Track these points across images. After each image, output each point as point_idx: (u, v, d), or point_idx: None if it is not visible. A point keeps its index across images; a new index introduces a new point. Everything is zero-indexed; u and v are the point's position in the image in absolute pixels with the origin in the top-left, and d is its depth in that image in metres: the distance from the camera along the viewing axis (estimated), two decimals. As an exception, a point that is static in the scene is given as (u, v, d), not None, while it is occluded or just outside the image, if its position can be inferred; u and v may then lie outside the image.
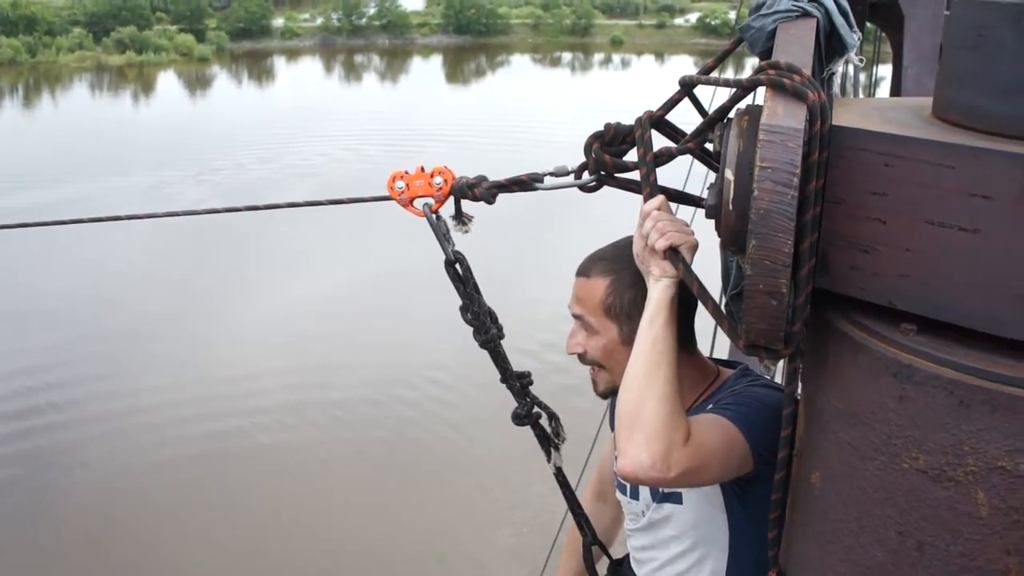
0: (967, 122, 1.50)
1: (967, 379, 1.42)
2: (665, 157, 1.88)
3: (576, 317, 2.44)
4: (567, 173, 2.05)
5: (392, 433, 10.80)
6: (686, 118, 1.95)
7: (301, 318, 14.00)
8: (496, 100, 39.64)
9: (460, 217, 2.23)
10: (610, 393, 2.44)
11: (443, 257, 2.26)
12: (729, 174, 1.58)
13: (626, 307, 2.31)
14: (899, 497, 1.53)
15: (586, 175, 2.03)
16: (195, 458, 10.21)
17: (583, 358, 2.45)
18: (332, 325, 13.64)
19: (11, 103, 43.07)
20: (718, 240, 1.73)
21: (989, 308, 1.41)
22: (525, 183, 2.09)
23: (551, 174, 2.07)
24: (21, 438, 10.70)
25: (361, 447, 10.42)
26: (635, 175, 1.94)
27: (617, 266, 2.32)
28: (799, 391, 1.84)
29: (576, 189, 2.08)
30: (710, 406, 2.32)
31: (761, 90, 1.57)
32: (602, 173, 2.00)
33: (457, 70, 53.53)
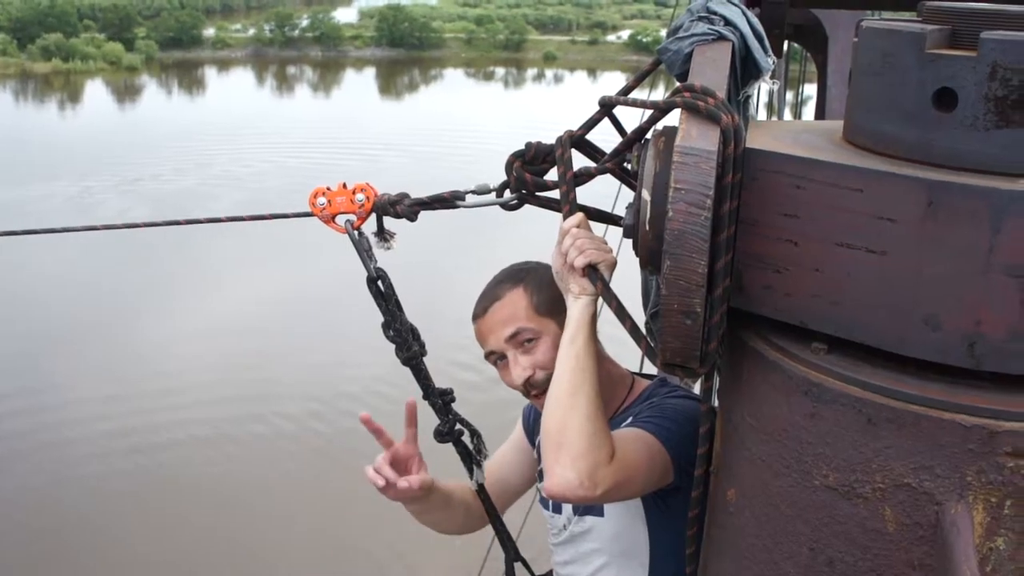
0: (874, 146, 1.53)
1: (874, 398, 1.45)
2: (584, 176, 1.90)
3: (510, 340, 2.41)
4: (489, 191, 2.07)
5: (327, 443, 10.71)
6: (608, 138, 1.97)
7: (228, 330, 13.88)
8: (429, 114, 39.61)
9: (382, 234, 2.23)
10: None
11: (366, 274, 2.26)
12: (646, 194, 1.60)
13: (552, 300, 2.30)
14: (810, 514, 1.55)
15: (507, 193, 2.04)
16: (124, 471, 10.07)
17: (532, 382, 2.42)
18: (259, 337, 13.55)
19: (-68, 109, 42.16)
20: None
21: (895, 328, 1.45)
22: (447, 201, 2.09)
23: (473, 192, 2.08)
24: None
25: (294, 458, 10.34)
26: (555, 194, 1.95)
27: (519, 277, 2.38)
28: (716, 408, 1.86)
29: (498, 208, 2.10)
30: (629, 419, 2.35)
31: (678, 111, 1.59)
32: (523, 191, 2.01)
33: (390, 83, 53.44)
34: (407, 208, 2.12)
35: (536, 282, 2.37)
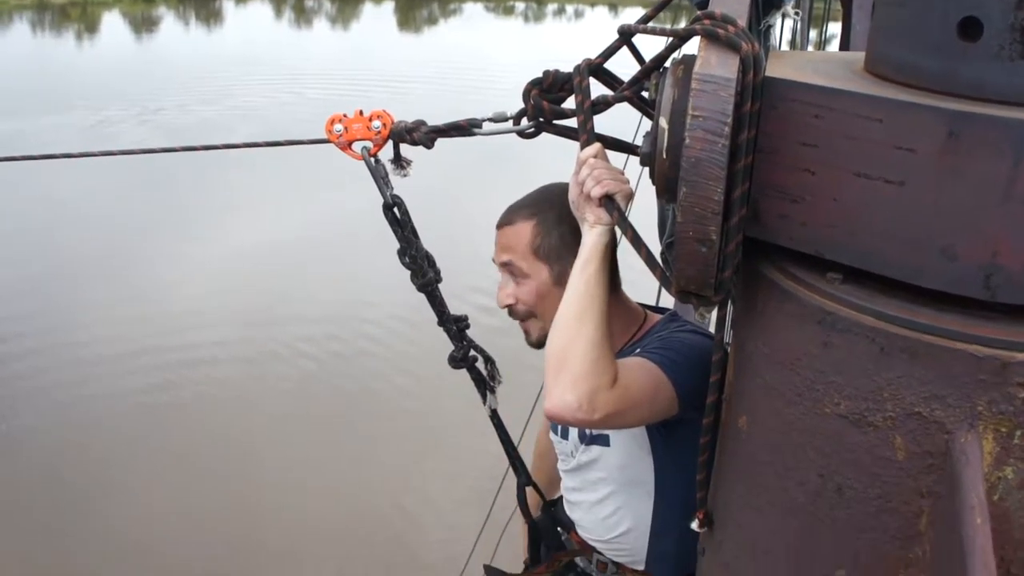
0: (896, 76, 1.53)
1: (888, 327, 1.46)
2: (602, 105, 1.89)
3: (504, 266, 2.47)
4: (506, 119, 2.07)
5: (347, 381, 10.73)
6: (627, 69, 1.96)
7: (244, 262, 13.86)
8: (448, 48, 39.25)
9: (399, 161, 2.24)
10: (543, 342, 2.38)
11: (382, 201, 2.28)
12: (663, 122, 1.60)
13: (554, 246, 2.35)
14: (821, 441, 1.57)
15: (524, 122, 2.04)
16: (142, 400, 10.08)
17: (514, 310, 2.48)
18: (275, 271, 13.53)
19: (-52, 38, 42.04)
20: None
21: (911, 259, 1.45)
22: (463, 128, 2.10)
23: (490, 120, 2.08)
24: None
25: (311, 394, 10.36)
26: (573, 122, 1.95)
27: (539, 208, 2.36)
28: (729, 337, 1.87)
29: (517, 138, 2.10)
30: (637, 350, 2.36)
31: (697, 40, 1.58)
32: (540, 120, 2.01)
33: (409, 17, 52.91)
34: (424, 135, 2.12)
35: (551, 220, 2.36)
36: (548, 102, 1.97)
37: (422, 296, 2.46)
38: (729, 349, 1.87)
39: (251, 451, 9.11)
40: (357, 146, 2.22)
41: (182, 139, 22.40)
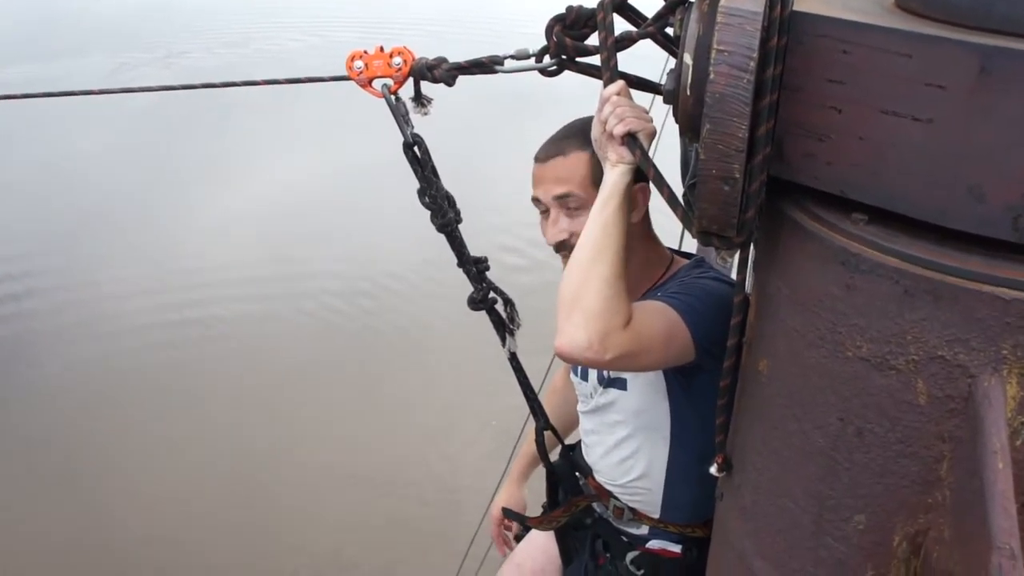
0: (927, 11, 1.49)
1: (912, 269, 1.43)
2: (626, 41, 1.86)
3: (559, 199, 2.40)
4: (528, 56, 2.03)
5: (367, 334, 10.71)
6: (652, 5, 1.92)
7: (268, 208, 13.81)
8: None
9: (419, 99, 2.20)
10: None
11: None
12: (688, 58, 1.57)
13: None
14: (842, 384, 1.55)
15: (547, 59, 2.01)
16: (158, 357, 10.07)
17: (566, 244, 2.39)
18: (298, 216, 13.47)
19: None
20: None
21: (938, 199, 1.42)
22: (485, 65, 2.06)
23: (512, 57, 2.05)
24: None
25: (331, 346, 10.35)
26: (596, 60, 1.92)
27: (589, 138, 2.18)
28: (750, 279, 1.85)
29: (538, 75, 2.07)
30: (659, 294, 2.34)
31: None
32: (563, 57, 1.98)
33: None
34: (445, 72, 2.09)
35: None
36: (571, 39, 1.94)
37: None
38: (750, 291, 1.85)
39: (273, 400, 9.13)
40: (377, 83, 2.17)
41: (203, 80, 22.26)
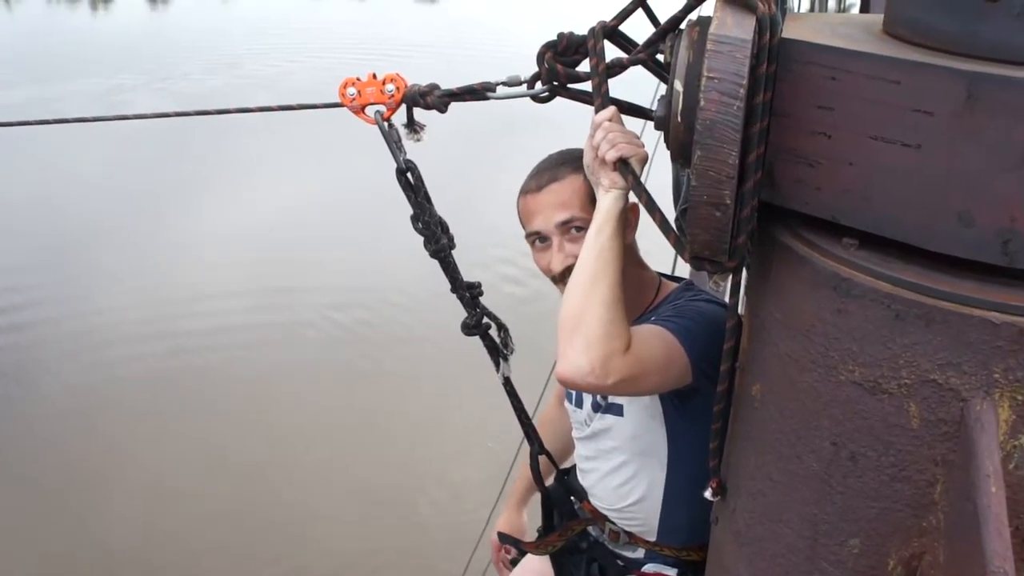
0: (915, 38, 1.50)
1: (903, 293, 1.44)
2: (617, 68, 1.86)
3: (563, 225, 2.39)
4: (520, 83, 2.04)
5: (361, 354, 10.70)
6: (642, 32, 1.93)
7: (263, 230, 13.81)
8: (462, 18, 39.05)
9: (412, 125, 2.21)
10: None
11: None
12: (678, 85, 1.58)
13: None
14: (835, 408, 1.56)
15: (539, 85, 2.02)
16: (153, 373, 10.06)
17: (569, 271, 2.28)
18: (293, 239, 13.48)
19: (-37, 8, 42.00)
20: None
21: (928, 224, 1.43)
22: (477, 92, 2.07)
23: (504, 84, 2.05)
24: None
25: (325, 368, 10.33)
26: (588, 86, 1.93)
27: (579, 162, 2.20)
28: (742, 304, 1.86)
29: (534, 105, 2.07)
30: (652, 318, 2.35)
31: (713, 2, 1.56)
32: (555, 83, 1.98)
33: (424, -15, 52.58)
34: (437, 99, 2.10)
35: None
36: (562, 65, 1.94)
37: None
38: (743, 316, 1.85)
39: (269, 423, 9.11)
40: (370, 110, 2.18)
41: (194, 106, 22.29)
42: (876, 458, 1.53)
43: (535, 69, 2.00)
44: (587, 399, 2.65)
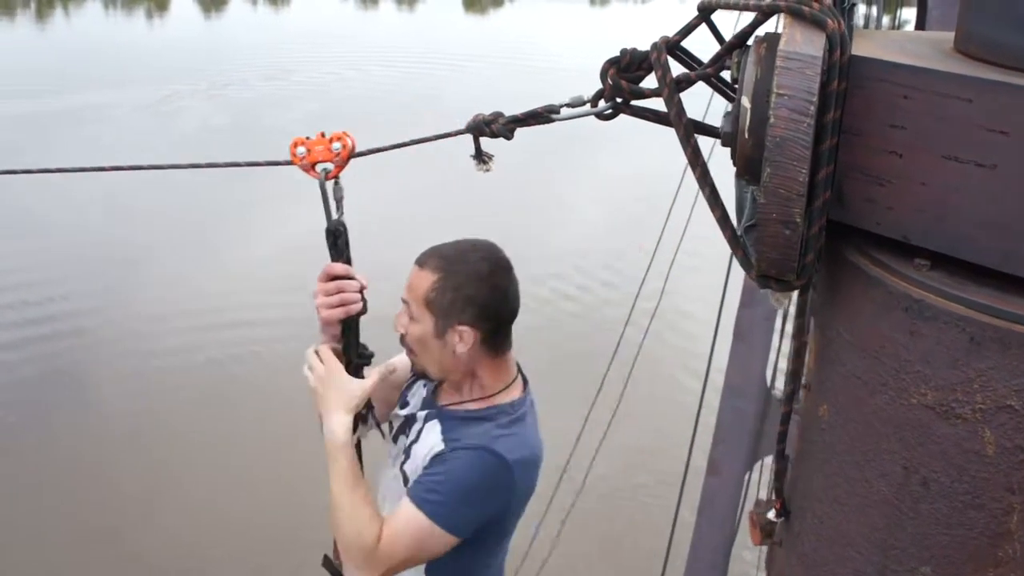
0: (988, 56, 1.47)
1: (979, 316, 1.41)
2: (684, 83, 1.84)
3: (404, 302, 2.59)
4: (583, 103, 2.02)
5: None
6: (705, 48, 1.91)
7: (304, 252, 13.85)
8: (512, 30, 39.13)
9: (480, 156, 2.22)
10: (424, 375, 2.73)
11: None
12: (746, 101, 1.56)
13: (445, 305, 2.48)
14: (906, 432, 1.53)
15: (602, 103, 2.00)
16: (206, 376, 10.16)
17: (403, 340, 2.64)
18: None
19: (24, 16, 42.71)
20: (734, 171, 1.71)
21: (1003, 245, 1.40)
22: (541, 116, 2.06)
23: (567, 105, 2.04)
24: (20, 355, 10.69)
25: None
26: (652, 103, 1.90)
27: (449, 264, 2.50)
28: (810, 323, 1.83)
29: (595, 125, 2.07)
30: (417, 483, 2.55)
31: (781, 17, 1.54)
32: (618, 100, 1.96)
33: (474, 2, 52.60)
34: (502, 127, 2.10)
35: (452, 282, 2.48)
36: (626, 82, 1.92)
37: None
38: (809, 336, 1.82)
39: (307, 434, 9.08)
40: (320, 167, 2.31)
41: (246, 113, 22.63)
42: (949, 484, 1.49)
43: (589, 85, 1.99)
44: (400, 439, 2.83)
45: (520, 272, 2.61)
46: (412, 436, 2.70)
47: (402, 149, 2.23)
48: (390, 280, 2.88)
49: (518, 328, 2.61)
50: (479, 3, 51.68)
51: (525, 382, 2.72)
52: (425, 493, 2.44)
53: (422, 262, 2.55)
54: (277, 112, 22.87)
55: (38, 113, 22.23)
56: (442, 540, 2.42)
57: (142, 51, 32.77)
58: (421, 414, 2.71)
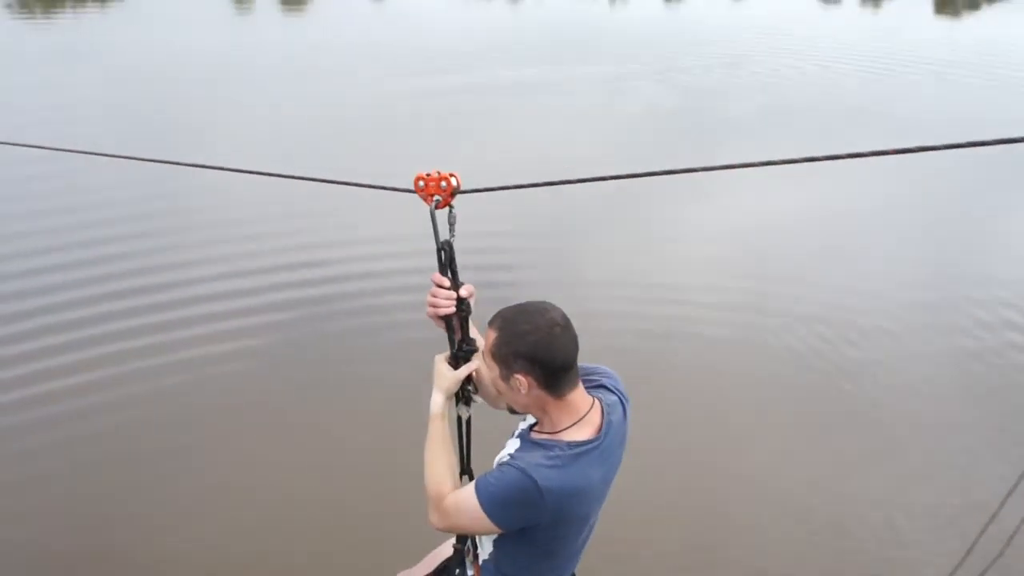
0: None
1: None
2: None
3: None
4: None
5: (829, 373, 10.02)
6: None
7: (745, 233, 13.54)
8: (991, 37, 36.27)
9: None
10: (511, 409, 3.37)
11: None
12: None
13: (502, 358, 3.04)
14: None
15: None
16: (625, 353, 9.98)
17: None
18: (780, 248, 13.02)
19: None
20: None
21: None
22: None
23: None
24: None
25: (786, 382, 9.72)
26: None
27: (504, 325, 3.06)
28: None
29: None
30: (494, 468, 3.17)
31: None
32: None
33: (947, 3, 49.39)
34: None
35: (505, 339, 3.02)
36: None
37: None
38: None
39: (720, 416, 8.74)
40: (434, 198, 3.15)
41: (693, 98, 22.63)
42: None
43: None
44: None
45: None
46: (506, 443, 3.37)
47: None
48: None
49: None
50: (951, 6, 48.54)
51: (607, 423, 3.15)
52: (484, 482, 3.04)
53: (491, 322, 3.11)
54: (723, 101, 22.80)
55: (514, 80, 24.18)
56: (486, 523, 3.03)
57: (603, 32, 33.89)
58: (516, 431, 3.34)
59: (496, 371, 3.07)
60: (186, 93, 22.55)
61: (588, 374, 3.26)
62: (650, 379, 9.14)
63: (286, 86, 23.96)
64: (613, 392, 3.26)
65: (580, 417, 3.08)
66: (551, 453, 2.98)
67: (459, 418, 3.42)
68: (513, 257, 12.51)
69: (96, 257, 11.98)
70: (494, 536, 3.25)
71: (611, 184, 14.68)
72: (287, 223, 13.49)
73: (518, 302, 3.10)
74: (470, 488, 3.05)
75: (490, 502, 2.97)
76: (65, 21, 36.10)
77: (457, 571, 3.58)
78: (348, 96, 22.87)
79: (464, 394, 3.36)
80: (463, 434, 3.46)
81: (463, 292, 3.21)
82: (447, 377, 3.26)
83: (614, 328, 10.40)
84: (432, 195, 3.11)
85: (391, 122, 20.36)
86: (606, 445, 3.08)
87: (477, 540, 3.42)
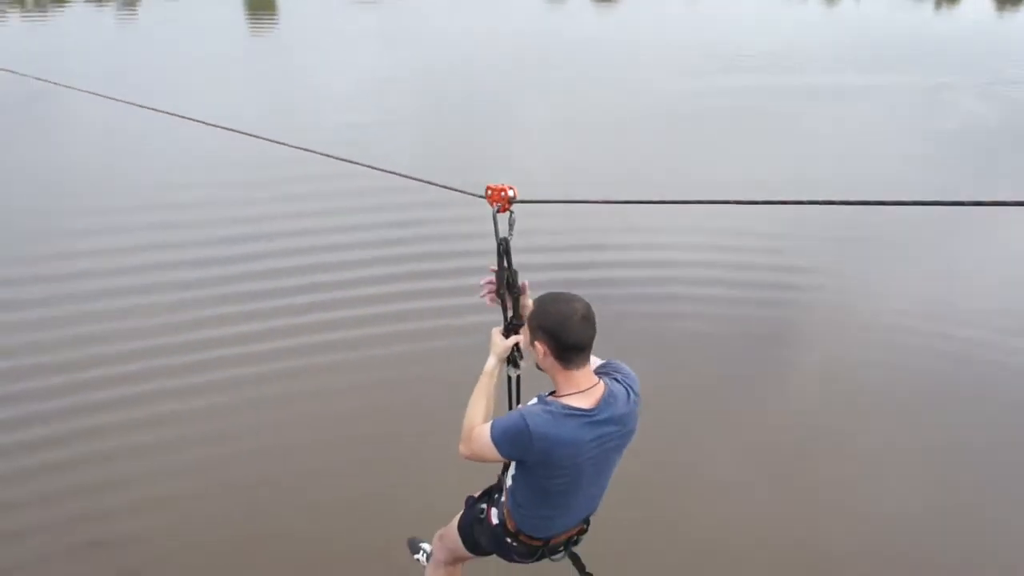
0: None
1: None
2: None
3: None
4: None
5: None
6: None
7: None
8: None
9: None
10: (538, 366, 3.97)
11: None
12: None
13: (531, 328, 3.84)
14: None
15: None
16: (912, 370, 9.64)
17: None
18: None
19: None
20: None
21: None
22: None
23: None
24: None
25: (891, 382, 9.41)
26: None
27: (538, 305, 3.83)
28: None
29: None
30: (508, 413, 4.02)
31: None
32: None
33: None
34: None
35: (535, 314, 3.81)
36: None
37: None
38: None
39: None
40: (495, 204, 3.94)
41: (1018, 115, 21.20)
42: None
43: None
44: None
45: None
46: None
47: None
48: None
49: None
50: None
51: (605, 402, 3.82)
52: (498, 420, 3.84)
53: (534, 300, 3.93)
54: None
55: (818, 85, 23.78)
56: (493, 450, 3.79)
57: (923, 40, 32.38)
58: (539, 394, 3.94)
59: (527, 337, 3.88)
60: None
61: (611, 369, 3.99)
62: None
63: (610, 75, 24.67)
64: (623, 387, 3.89)
65: (581, 390, 3.81)
66: (548, 408, 3.75)
67: (509, 378, 4.27)
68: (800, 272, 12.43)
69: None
70: (513, 471, 4.07)
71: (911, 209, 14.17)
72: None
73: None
74: (488, 424, 3.84)
75: (495, 434, 3.76)
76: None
77: (496, 495, 4.42)
78: (644, 96, 23.15)
79: (513, 358, 4.17)
80: (511, 390, 4.32)
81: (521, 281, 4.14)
82: (499, 344, 4.10)
83: (898, 342, 10.30)
84: (494, 201, 3.91)
85: (690, 122, 20.62)
86: (601, 419, 3.79)
87: (506, 476, 4.20)
